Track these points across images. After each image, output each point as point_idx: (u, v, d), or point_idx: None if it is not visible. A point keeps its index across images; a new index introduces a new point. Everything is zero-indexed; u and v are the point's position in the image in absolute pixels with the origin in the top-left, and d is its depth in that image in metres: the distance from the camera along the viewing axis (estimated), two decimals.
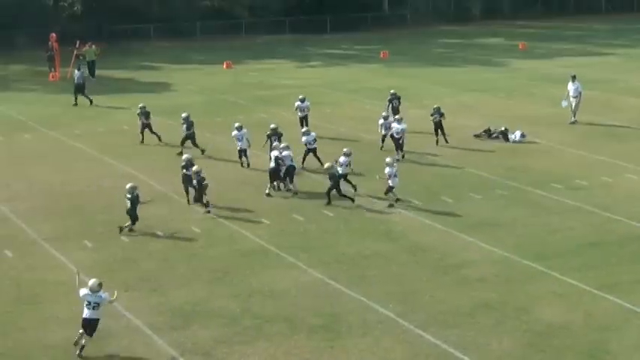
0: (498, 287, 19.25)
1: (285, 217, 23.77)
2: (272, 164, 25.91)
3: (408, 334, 17.08)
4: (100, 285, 16.59)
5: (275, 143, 26.85)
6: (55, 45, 48.50)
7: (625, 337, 16.84)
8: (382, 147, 30.13)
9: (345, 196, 24.58)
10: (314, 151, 27.99)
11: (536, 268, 20.23)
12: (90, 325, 16.32)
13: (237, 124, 28.79)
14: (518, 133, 32.10)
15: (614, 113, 37.29)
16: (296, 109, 33.36)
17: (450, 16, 76.69)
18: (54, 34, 48.60)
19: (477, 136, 32.63)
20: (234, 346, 16.64)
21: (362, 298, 18.67)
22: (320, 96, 42.16)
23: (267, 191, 25.69)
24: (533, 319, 17.64)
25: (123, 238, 22.38)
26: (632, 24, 74.60)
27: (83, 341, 16.37)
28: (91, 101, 40.10)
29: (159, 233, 22.72)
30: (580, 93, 34.96)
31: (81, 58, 48.25)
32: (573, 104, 35.01)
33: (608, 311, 18.04)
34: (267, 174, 26.03)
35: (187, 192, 24.88)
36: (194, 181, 23.95)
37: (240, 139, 28.46)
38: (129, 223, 22.65)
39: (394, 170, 24.66)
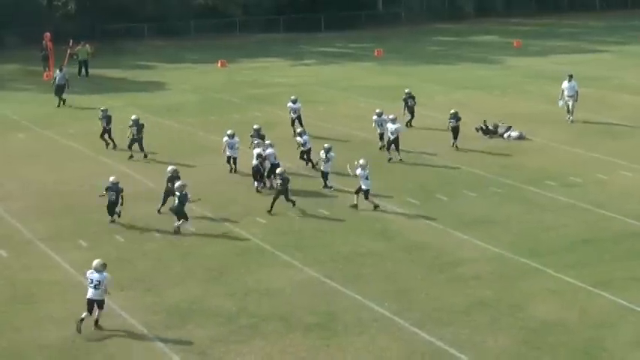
0: (493, 285, 19.28)
1: (280, 216, 23.76)
2: (254, 162, 25.91)
3: (404, 332, 17.09)
4: (103, 265, 17.39)
5: (257, 141, 26.84)
6: (50, 44, 48.40)
7: (620, 334, 16.87)
8: (381, 146, 29.92)
9: (290, 200, 24.20)
10: (308, 152, 27.85)
11: (530, 265, 20.26)
12: (94, 304, 17.17)
13: (229, 132, 27.98)
14: (515, 133, 31.90)
15: (609, 110, 37.34)
16: (289, 110, 32.90)
17: (444, 14, 76.68)
18: (48, 34, 48.49)
19: (478, 129, 32.69)
20: (230, 344, 16.64)
21: (357, 297, 18.68)
22: (314, 94, 42.17)
23: (257, 188, 25.74)
24: (528, 317, 17.67)
25: (117, 237, 22.37)
26: (626, 21, 74.66)
27: (84, 315, 17.18)
28: (63, 102, 39.70)
29: (154, 233, 22.68)
30: (577, 92, 34.67)
31: (74, 57, 48.20)
32: (570, 103, 34.63)
33: (602, 308, 18.08)
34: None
35: (165, 202, 24.10)
36: (177, 194, 22.81)
37: (231, 147, 27.63)
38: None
39: (366, 173, 23.97)
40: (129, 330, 17.30)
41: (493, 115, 35.05)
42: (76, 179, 27.79)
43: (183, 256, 21.13)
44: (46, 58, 48.73)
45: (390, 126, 29.01)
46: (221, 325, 17.44)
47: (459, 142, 30.87)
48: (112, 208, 23.27)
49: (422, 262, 20.59)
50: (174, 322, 17.58)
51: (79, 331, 16.90)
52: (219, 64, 51.93)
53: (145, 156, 29.67)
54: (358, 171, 24.21)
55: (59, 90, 39.91)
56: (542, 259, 20.54)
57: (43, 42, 48.70)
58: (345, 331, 17.12)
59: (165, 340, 16.82)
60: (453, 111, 30.96)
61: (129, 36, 62.62)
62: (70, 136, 33.50)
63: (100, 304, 17.24)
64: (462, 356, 16.16)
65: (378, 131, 30.22)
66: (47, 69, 48.51)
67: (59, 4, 63.05)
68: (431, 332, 17.01)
